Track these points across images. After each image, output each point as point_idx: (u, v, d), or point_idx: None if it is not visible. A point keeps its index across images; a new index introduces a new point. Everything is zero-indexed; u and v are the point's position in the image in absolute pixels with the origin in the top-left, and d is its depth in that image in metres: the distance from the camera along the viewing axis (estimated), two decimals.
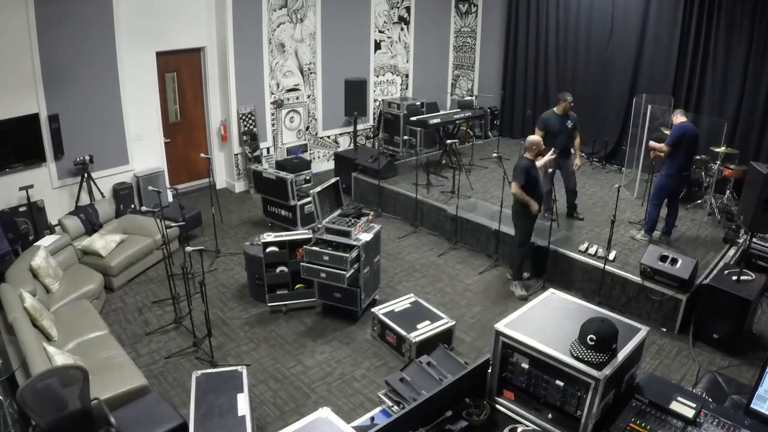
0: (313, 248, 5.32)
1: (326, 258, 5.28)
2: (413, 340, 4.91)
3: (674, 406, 2.39)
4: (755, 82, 7.70)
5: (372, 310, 5.37)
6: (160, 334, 5.40)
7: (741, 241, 6.31)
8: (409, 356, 4.95)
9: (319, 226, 5.58)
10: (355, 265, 5.35)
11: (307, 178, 8.64)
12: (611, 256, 5.95)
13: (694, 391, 3.59)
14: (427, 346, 4.99)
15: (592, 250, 6.16)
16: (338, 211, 5.75)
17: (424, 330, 5.05)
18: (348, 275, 5.20)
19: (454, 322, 5.25)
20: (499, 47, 11.20)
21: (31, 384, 3.35)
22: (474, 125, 10.44)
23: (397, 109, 9.89)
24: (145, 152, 8.02)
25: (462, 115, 9.21)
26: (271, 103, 9.04)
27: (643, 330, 2.55)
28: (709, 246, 6.46)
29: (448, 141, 8.53)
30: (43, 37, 6.64)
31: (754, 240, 5.82)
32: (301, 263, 5.37)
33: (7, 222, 6.20)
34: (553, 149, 6.33)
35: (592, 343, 2.26)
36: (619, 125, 9.38)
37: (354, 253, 5.29)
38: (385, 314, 5.28)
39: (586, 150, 9.76)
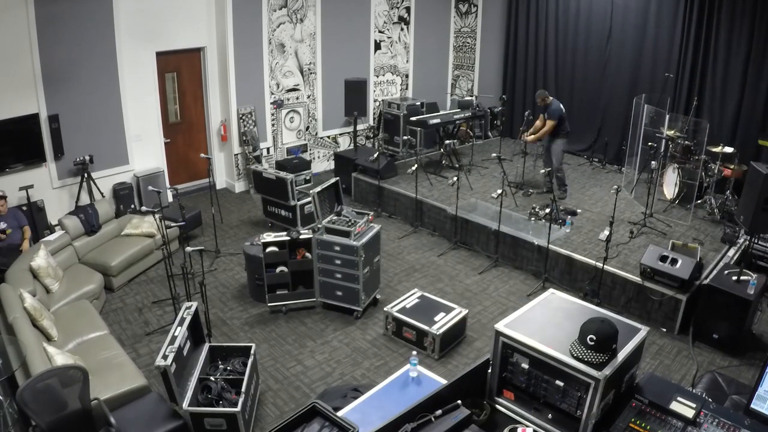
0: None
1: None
2: (437, 333, 4.98)
3: (674, 406, 2.39)
4: (755, 83, 7.68)
5: (384, 309, 5.41)
6: (160, 334, 5.39)
7: (741, 241, 6.31)
8: (433, 348, 5.04)
9: (319, 226, 5.58)
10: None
11: (307, 178, 8.64)
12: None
13: (694, 391, 3.58)
14: (451, 335, 5.16)
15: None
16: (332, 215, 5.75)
17: (443, 321, 5.15)
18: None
19: (467, 311, 5.39)
20: (499, 47, 11.20)
21: (31, 384, 3.35)
22: (474, 125, 10.44)
23: (397, 109, 9.89)
24: (145, 152, 8.02)
25: (462, 115, 9.21)
26: (271, 103, 9.03)
27: (643, 330, 2.55)
28: (709, 246, 6.46)
29: (447, 141, 8.53)
30: (43, 37, 6.65)
31: (753, 240, 5.82)
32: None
33: None
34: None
35: (592, 343, 2.26)
36: (619, 126, 9.36)
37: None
38: (398, 311, 5.32)
39: (585, 151, 9.79)
